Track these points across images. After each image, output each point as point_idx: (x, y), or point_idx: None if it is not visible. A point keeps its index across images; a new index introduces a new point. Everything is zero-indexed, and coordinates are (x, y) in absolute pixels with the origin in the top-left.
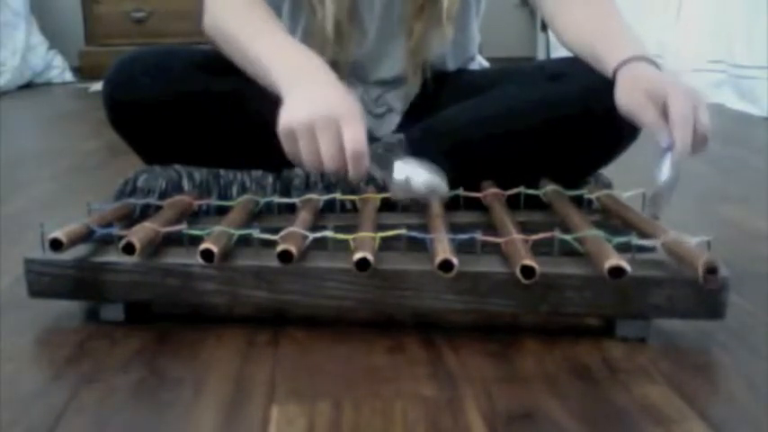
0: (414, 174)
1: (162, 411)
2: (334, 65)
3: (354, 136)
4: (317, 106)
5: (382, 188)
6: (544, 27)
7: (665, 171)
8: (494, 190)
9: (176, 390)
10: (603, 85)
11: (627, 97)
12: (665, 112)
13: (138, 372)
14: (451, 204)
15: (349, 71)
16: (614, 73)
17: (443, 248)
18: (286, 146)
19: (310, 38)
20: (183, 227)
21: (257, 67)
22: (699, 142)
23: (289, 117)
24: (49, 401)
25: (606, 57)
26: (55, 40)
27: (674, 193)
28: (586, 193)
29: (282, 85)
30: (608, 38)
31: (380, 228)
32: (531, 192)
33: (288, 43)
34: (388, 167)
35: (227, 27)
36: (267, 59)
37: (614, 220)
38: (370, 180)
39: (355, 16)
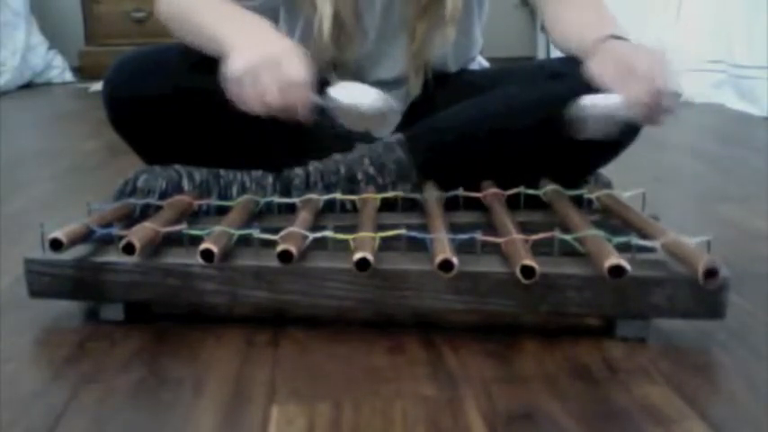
0: (361, 95)
1: (162, 411)
2: (333, 65)
3: (293, 70)
4: (258, 52)
5: (382, 188)
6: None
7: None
8: (494, 190)
9: (176, 390)
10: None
11: (597, 68)
12: (630, 82)
13: (138, 372)
14: (451, 204)
15: (349, 72)
16: (591, 51)
17: (443, 248)
18: (233, 93)
19: (307, 39)
20: (183, 227)
21: (208, 37)
22: (657, 99)
23: (233, 65)
24: (48, 401)
25: (588, 38)
26: (55, 40)
27: (607, 128)
28: (586, 193)
29: (229, 45)
30: (593, 25)
31: (380, 228)
32: (531, 192)
33: (236, 12)
34: (333, 106)
35: (181, 9)
36: (216, 28)
37: (614, 220)
38: (321, 114)
39: (356, 17)
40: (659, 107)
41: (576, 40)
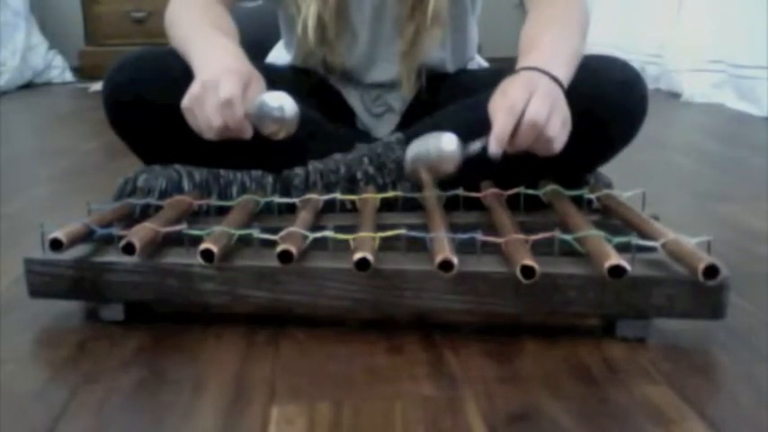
0: (275, 101)
1: (162, 412)
2: (327, 68)
3: (225, 90)
4: (203, 79)
5: (382, 188)
6: None
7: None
8: (494, 190)
9: (176, 390)
10: (602, 84)
11: (492, 97)
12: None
13: (138, 372)
14: (451, 204)
15: (344, 75)
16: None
17: (443, 248)
18: (190, 123)
19: (302, 42)
20: (183, 227)
21: (186, 58)
22: (523, 133)
23: (185, 97)
24: (48, 401)
25: (519, 64)
26: (55, 40)
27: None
28: (586, 193)
29: (195, 72)
30: (535, 47)
31: (380, 228)
32: (531, 192)
33: (208, 35)
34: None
35: (174, 21)
36: (189, 50)
37: (614, 220)
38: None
39: (342, 17)
40: (529, 139)
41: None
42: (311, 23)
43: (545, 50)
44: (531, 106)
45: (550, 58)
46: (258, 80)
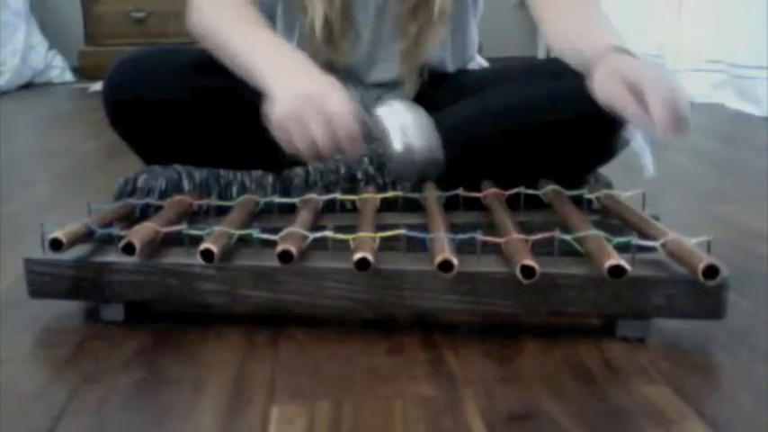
0: (414, 138)
1: (162, 412)
2: (330, 67)
3: (337, 107)
4: (300, 95)
5: (382, 188)
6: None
7: (638, 139)
8: (494, 190)
9: (176, 390)
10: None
11: (605, 87)
12: (640, 99)
13: (138, 372)
14: (451, 204)
15: (345, 74)
16: (592, 64)
17: (443, 248)
18: (281, 140)
19: (305, 41)
20: (183, 227)
21: (245, 68)
22: (678, 125)
23: (277, 111)
24: (48, 401)
25: (584, 53)
26: (55, 40)
27: (652, 157)
28: (586, 193)
29: (268, 82)
30: (588, 35)
31: (380, 228)
32: (531, 192)
33: (272, 42)
34: (383, 136)
35: (215, 27)
36: (253, 60)
37: (614, 220)
38: (369, 155)
39: (348, 17)
40: (678, 121)
41: (573, 52)
42: (318, 23)
43: (603, 32)
44: (679, 99)
45: (615, 39)
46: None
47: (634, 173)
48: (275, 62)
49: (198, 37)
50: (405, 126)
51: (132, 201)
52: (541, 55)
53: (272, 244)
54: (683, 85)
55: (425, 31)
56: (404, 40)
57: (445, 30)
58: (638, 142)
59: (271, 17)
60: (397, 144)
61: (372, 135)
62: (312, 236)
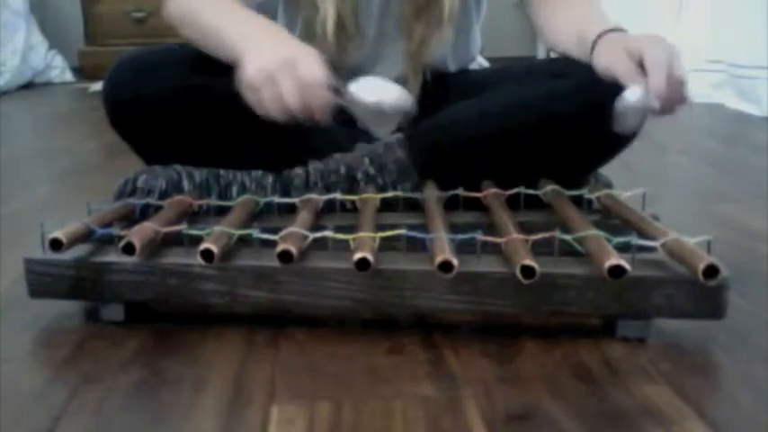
0: (384, 91)
1: (162, 412)
2: (334, 66)
3: (311, 71)
4: (272, 55)
5: (382, 188)
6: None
7: (631, 94)
8: (494, 190)
9: (176, 390)
10: (603, 83)
11: (604, 56)
12: (642, 67)
13: (138, 372)
14: (451, 204)
15: (349, 73)
16: (594, 44)
17: (443, 249)
18: (250, 99)
19: (310, 38)
20: (183, 227)
21: (219, 40)
22: (675, 89)
23: (248, 70)
24: (48, 401)
25: (588, 37)
26: (55, 40)
27: (642, 121)
28: (586, 193)
29: (241, 49)
30: (589, 21)
31: (380, 228)
32: (531, 192)
33: (246, 15)
34: (353, 99)
35: (191, 9)
36: (227, 31)
37: (614, 220)
38: (340, 113)
39: (356, 16)
40: (677, 96)
41: (575, 38)
42: (330, 23)
43: (602, 21)
44: (677, 64)
45: (614, 25)
46: (324, 63)
47: (634, 173)
48: (248, 29)
49: (174, 24)
50: (373, 84)
51: (132, 201)
52: (541, 55)
53: (272, 244)
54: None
55: (431, 33)
56: (409, 40)
57: (451, 31)
58: (628, 102)
59: (273, 18)
60: (367, 96)
61: (343, 98)
62: (312, 236)
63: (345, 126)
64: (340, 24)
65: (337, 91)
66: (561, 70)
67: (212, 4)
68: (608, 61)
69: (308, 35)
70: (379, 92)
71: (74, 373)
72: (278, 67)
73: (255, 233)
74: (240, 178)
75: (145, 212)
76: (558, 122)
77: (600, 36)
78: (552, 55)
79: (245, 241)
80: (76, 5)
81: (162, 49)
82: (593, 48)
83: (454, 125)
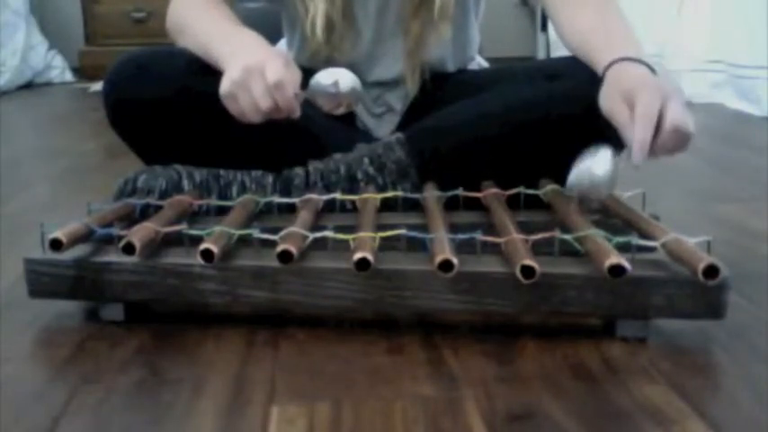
0: (337, 76)
1: (162, 412)
2: (330, 65)
3: (274, 72)
4: (244, 67)
5: (382, 188)
6: (544, 27)
7: (602, 165)
8: (494, 190)
9: (176, 390)
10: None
11: (605, 98)
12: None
13: (138, 372)
14: (451, 204)
15: None
16: (603, 74)
17: (443, 248)
18: (231, 109)
19: (306, 40)
20: (183, 227)
21: (208, 58)
22: (668, 137)
23: (223, 84)
24: (48, 402)
25: (599, 58)
26: (55, 40)
27: (610, 189)
28: None
29: (223, 61)
30: (603, 38)
31: (380, 228)
32: (531, 192)
33: (231, 28)
34: (317, 88)
35: (183, 21)
36: (212, 43)
37: (614, 220)
38: (307, 105)
39: (349, 16)
40: (671, 144)
41: (581, 43)
42: (320, 23)
43: (617, 37)
44: (670, 112)
45: (629, 45)
46: (294, 63)
47: (634, 173)
48: (227, 48)
49: (171, 36)
50: (330, 72)
51: (132, 201)
52: (541, 55)
53: (272, 244)
54: (684, 89)
55: (428, 30)
56: (406, 38)
57: (448, 28)
58: (593, 176)
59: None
60: (324, 80)
61: (307, 90)
62: (312, 236)
63: (345, 126)
64: (330, 24)
65: (304, 85)
66: (561, 71)
67: (198, 19)
68: (608, 107)
69: (305, 37)
70: (334, 76)
71: (74, 373)
72: (249, 75)
73: (255, 233)
74: (240, 178)
75: (145, 212)
76: (558, 123)
77: (608, 66)
78: (552, 55)
79: (245, 241)
80: (76, 5)
81: (162, 49)
82: (602, 79)
83: (454, 125)
